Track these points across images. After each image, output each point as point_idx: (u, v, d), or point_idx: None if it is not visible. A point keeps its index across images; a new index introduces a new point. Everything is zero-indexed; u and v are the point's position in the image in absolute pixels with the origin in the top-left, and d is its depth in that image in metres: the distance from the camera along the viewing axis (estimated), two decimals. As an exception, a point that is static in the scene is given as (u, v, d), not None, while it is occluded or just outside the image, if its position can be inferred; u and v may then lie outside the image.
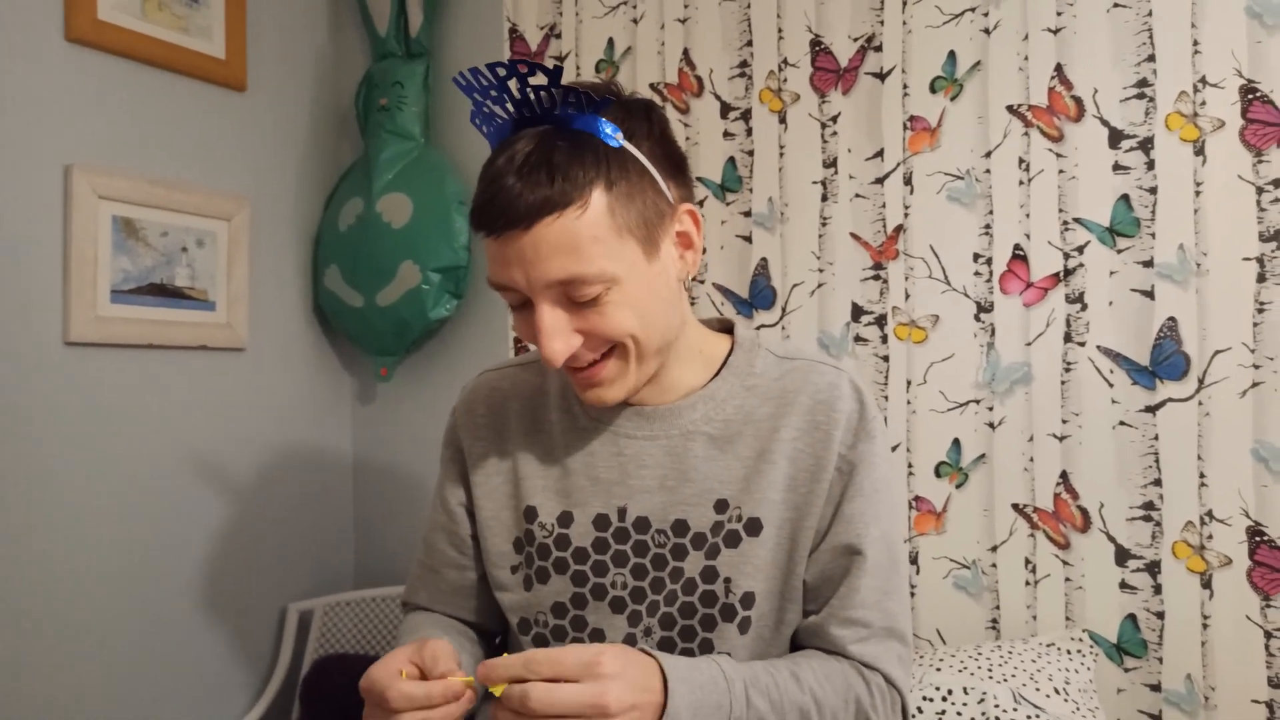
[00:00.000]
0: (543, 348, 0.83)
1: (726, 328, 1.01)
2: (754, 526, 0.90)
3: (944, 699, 1.22)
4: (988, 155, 1.49)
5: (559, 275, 0.80)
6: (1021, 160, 1.46)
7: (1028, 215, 1.46)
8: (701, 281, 1.69)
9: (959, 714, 1.20)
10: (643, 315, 0.85)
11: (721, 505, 0.91)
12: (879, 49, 1.56)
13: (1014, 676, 1.29)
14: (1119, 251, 1.41)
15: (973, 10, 1.50)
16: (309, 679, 1.77)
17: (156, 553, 1.65)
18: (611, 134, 0.82)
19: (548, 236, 0.79)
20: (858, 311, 1.57)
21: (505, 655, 0.74)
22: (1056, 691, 1.28)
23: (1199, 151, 1.36)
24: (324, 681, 1.72)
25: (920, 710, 1.22)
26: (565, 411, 0.99)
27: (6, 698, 1.43)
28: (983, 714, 1.18)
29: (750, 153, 1.66)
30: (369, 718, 0.79)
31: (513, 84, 0.83)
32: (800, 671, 0.86)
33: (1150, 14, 1.38)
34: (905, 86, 1.54)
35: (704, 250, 1.67)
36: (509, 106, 0.84)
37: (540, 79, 0.81)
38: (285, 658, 1.83)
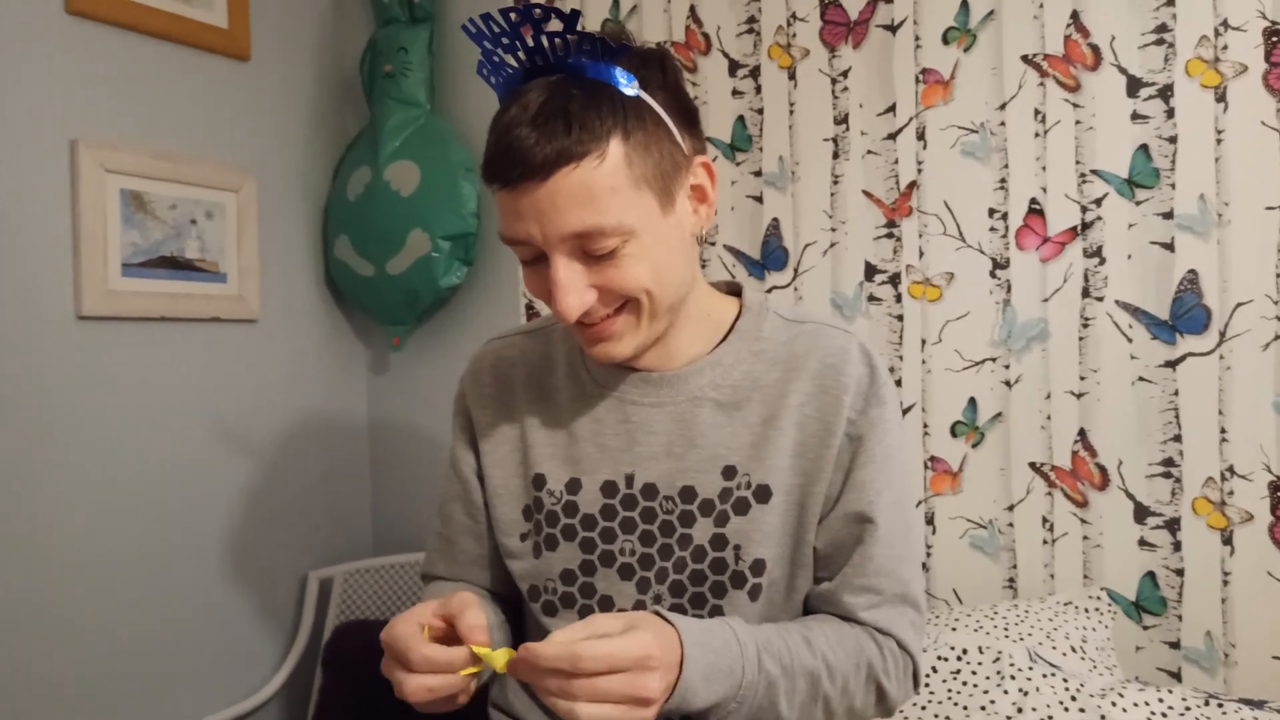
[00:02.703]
0: (558, 302, 0.81)
1: (735, 290, 1.00)
2: (763, 493, 0.89)
3: (959, 659, 1.22)
4: (1002, 107, 1.45)
5: (576, 227, 0.78)
6: (1037, 112, 1.43)
7: (1044, 168, 1.43)
8: (713, 243, 1.67)
9: (974, 673, 1.19)
10: (657, 269, 0.83)
11: (730, 472, 0.90)
12: (890, 1, 1.52)
13: (1030, 635, 1.29)
14: (1138, 203, 1.37)
15: (986, -43, 1.45)
16: (331, 645, 1.79)
17: (175, 525, 1.67)
18: (627, 83, 0.80)
19: (565, 187, 0.77)
20: (871, 271, 1.55)
21: (549, 644, 0.70)
22: (1073, 650, 1.27)
23: (1220, 98, 1.32)
24: (346, 648, 1.74)
25: (935, 670, 1.22)
26: (572, 378, 0.98)
27: (33, 666, 1.46)
28: (998, 673, 1.18)
29: (760, 111, 1.63)
30: (386, 668, 0.78)
31: (525, 31, 0.81)
32: (812, 635, 0.85)
33: (1171, -45, 1.33)
34: (917, 39, 1.51)
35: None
36: (520, 55, 0.82)
37: (555, 25, 0.79)
38: (307, 625, 1.85)
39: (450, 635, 0.78)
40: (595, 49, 0.80)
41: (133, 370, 1.60)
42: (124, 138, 1.59)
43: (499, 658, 0.74)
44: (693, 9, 1.68)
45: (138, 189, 1.60)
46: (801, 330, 0.94)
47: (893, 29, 1.52)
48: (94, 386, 1.55)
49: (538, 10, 0.80)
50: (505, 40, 0.82)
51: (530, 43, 0.81)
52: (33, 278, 1.47)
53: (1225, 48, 1.31)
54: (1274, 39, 1.28)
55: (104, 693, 1.55)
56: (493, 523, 0.99)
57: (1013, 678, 1.17)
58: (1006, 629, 1.30)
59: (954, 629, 1.32)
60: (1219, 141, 1.32)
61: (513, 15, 0.80)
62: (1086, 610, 1.35)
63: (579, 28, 0.80)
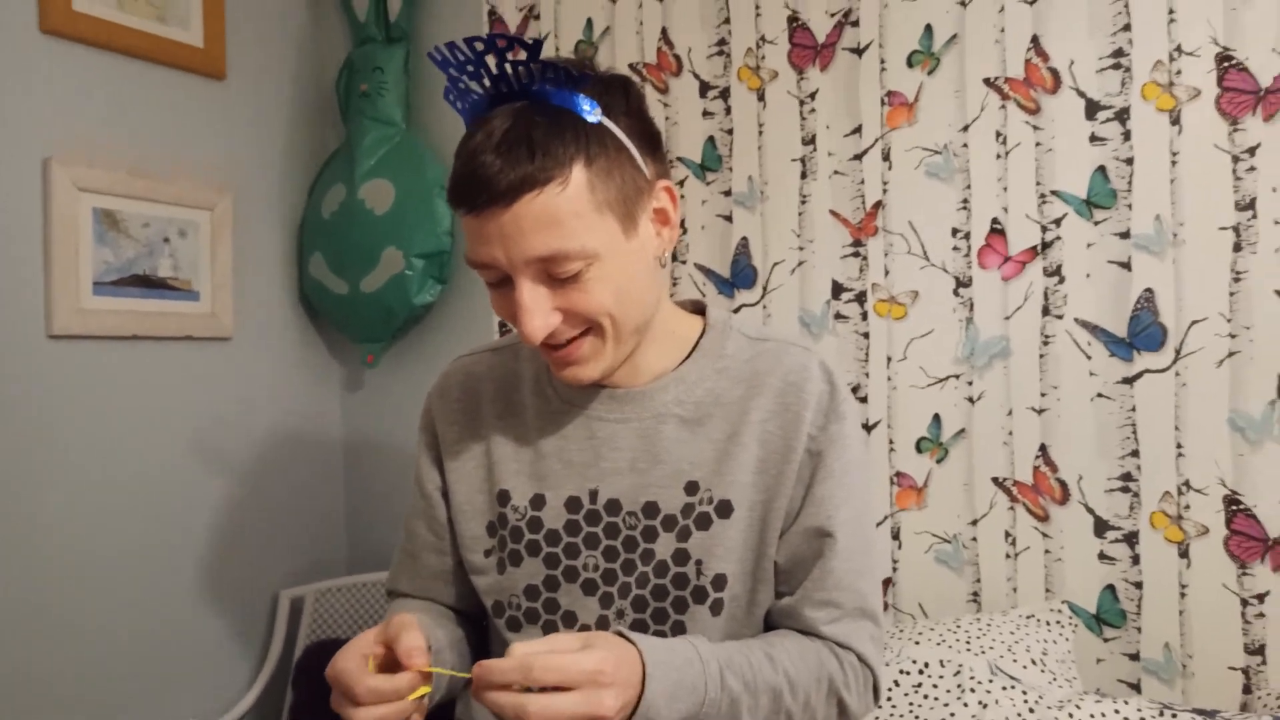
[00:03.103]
0: (522, 325, 0.83)
1: (699, 309, 1.02)
2: (725, 509, 0.91)
3: (921, 672, 1.24)
4: (965, 129, 1.48)
5: (540, 251, 0.80)
6: (999, 133, 1.46)
7: (1005, 189, 1.46)
8: (683, 261, 1.69)
9: (935, 686, 1.21)
10: (622, 292, 0.85)
11: (692, 487, 0.92)
12: (856, 24, 1.55)
13: (992, 648, 1.30)
14: (1096, 224, 1.40)
15: (948, -17, 1.49)
16: (301, 665, 1.79)
17: (147, 543, 1.66)
18: (590, 110, 0.82)
19: (529, 213, 0.79)
20: (838, 289, 1.58)
21: (504, 658, 0.72)
22: (1034, 662, 1.29)
23: (1175, 121, 1.35)
24: (316, 667, 1.74)
25: (897, 684, 1.24)
26: (539, 395, 0.99)
27: (3, 688, 1.45)
28: (958, 686, 1.20)
29: (730, 131, 1.66)
30: (335, 705, 0.79)
31: (490, 59, 0.82)
32: (774, 652, 0.87)
33: (1125, -17, 1.37)
34: (882, 61, 1.54)
35: (683, 228, 1.67)
36: (485, 82, 0.84)
37: (519, 54, 0.81)
38: (278, 644, 1.85)
39: (394, 661, 0.78)
40: (558, 77, 0.82)
41: (105, 389, 1.60)
42: (97, 156, 1.60)
43: (454, 673, 0.75)
44: (664, 31, 1.70)
45: (110, 207, 1.61)
46: (764, 348, 0.96)
47: (859, 52, 1.55)
48: (65, 406, 1.55)
49: (502, 39, 0.81)
50: (471, 68, 0.84)
51: (495, 70, 0.83)
52: (4, 296, 1.47)
53: (1179, 72, 1.35)
54: (1225, 64, 1.32)
55: (74, 710, 1.54)
56: (457, 539, 1.00)
57: (973, 690, 1.19)
58: (969, 642, 1.32)
59: (917, 642, 1.33)
60: (1174, 163, 1.35)
61: (478, 44, 0.82)
62: (1048, 623, 1.37)
63: (542, 56, 0.82)
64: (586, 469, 0.94)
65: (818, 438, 0.92)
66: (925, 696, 1.20)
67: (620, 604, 0.92)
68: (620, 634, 0.79)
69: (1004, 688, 1.18)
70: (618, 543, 0.93)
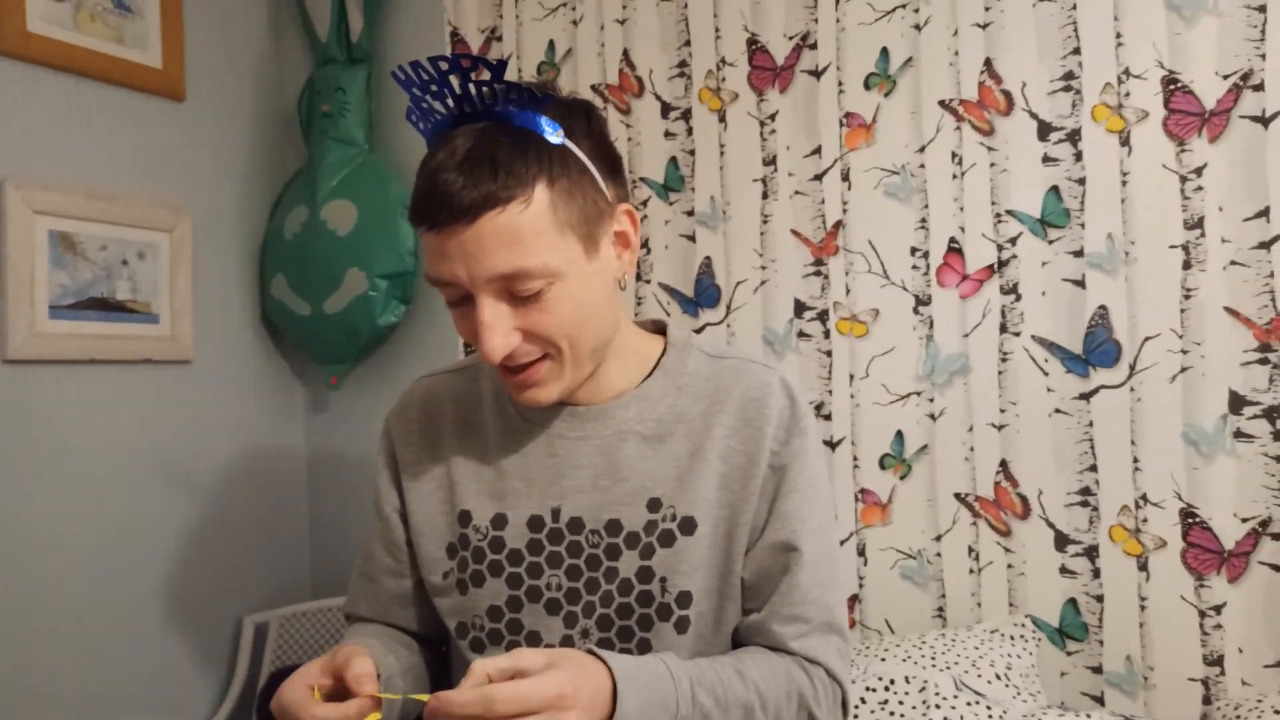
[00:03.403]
0: (482, 342, 0.82)
1: (660, 329, 1.02)
2: (688, 525, 0.91)
3: (886, 689, 1.24)
4: (921, 150, 1.51)
5: (502, 269, 0.80)
6: (954, 154, 1.49)
7: (961, 209, 1.48)
8: (647, 281, 1.70)
9: (900, 703, 1.21)
10: (581, 312, 0.85)
11: (655, 504, 0.92)
12: (814, 47, 1.58)
13: (956, 664, 1.31)
14: (1050, 242, 1.43)
15: (903, 6, 1.52)
16: (266, 691, 1.76)
17: (108, 569, 1.63)
18: (552, 131, 0.83)
19: (490, 230, 0.79)
20: (800, 307, 1.59)
21: (461, 688, 0.71)
22: (998, 677, 1.30)
23: (1124, 142, 1.38)
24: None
25: (863, 701, 1.24)
26: (499, 414, 0.99)
27: (-50, 721, 1.41)
28: (924, 702, 1.20)
29: (691, 152, 1.67)
30: None
31: (454, 79, 0.83)
32: (744, 668, 0.87)
33: (1075, 7, 1.41)
34: (840, 84, 1.56)
35: (647, 248, 1.68)
36: (449, 102, 0.84)
37: (483, 74, 0.81)
38: (242, 671, 1.82)
39: (341, 691, 0.77)
40: (522, 98, 0.82)
41: (62, 413, 1.57)
42: (54, 178, 1.58)
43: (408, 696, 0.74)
44: (626, 53, 1.72)
45: (67, 229, 1.59)
46: (724, 365, 0.96)
47: (817, 74, 1.58)
48: (22, 431, 1.52)
49: (466, 59, 0.82)
50: (434, 88, 0.84)
51: (458, 90, 0.83)
52: (-46, 320, 1.45)
53: (1128, 94, 1.38)
54: (1172, 87, 1.35)
55: (25, 746, 1.50)
56: (417, 560, 0.99)
57: (938, 706, 1.19)
58: (934, 658, 1.33)
59: (883, 659, 1.34)
60: (1124, 183, 1.39)
61: (442, 64, 0.82)
62: (1012, 637, 1.38)
63: (505, 77, 0.82)
64: (548, 487, 0.94)
65: (780, 453, 0.92)
66: (891, 713, 1.20)
67: (585, 623, 0.92)
68: (591, 651, 0.79)
69: (969, 703, 1.19)
70: (580, 561, 0.92)
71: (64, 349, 1.57)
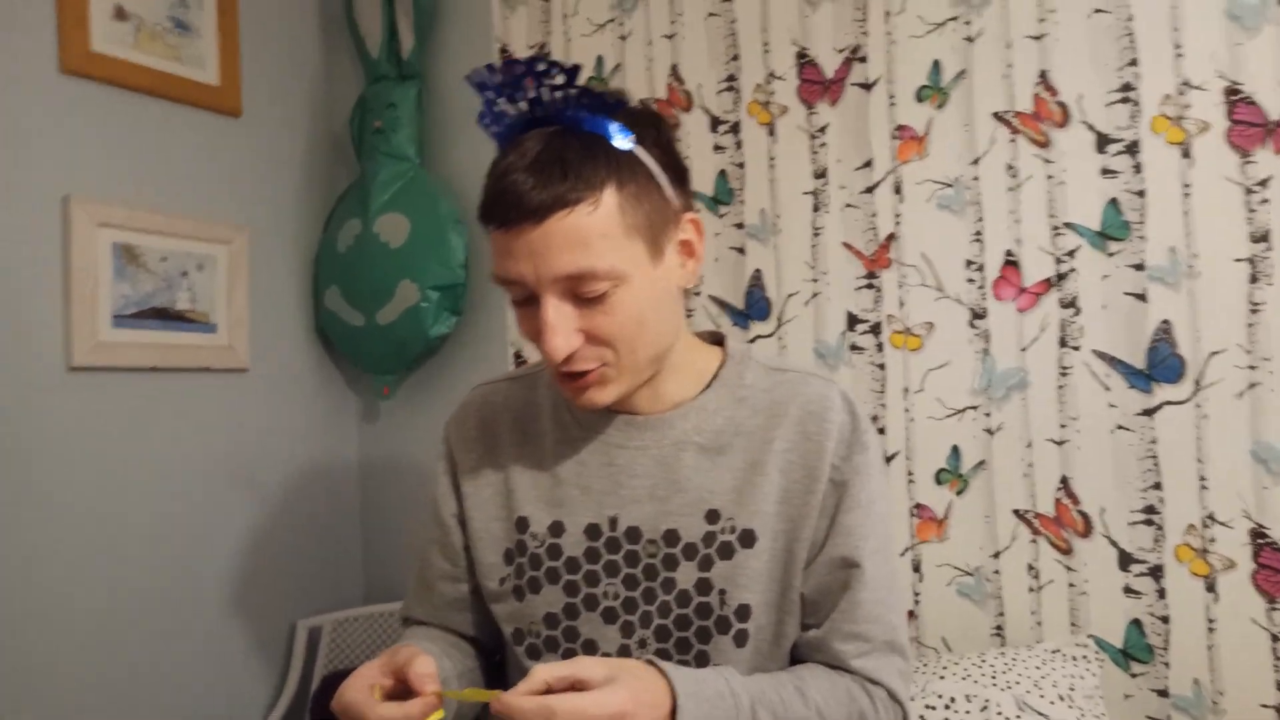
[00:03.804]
0: (545, 342, 0.83)
1: (717, 340, 1.02)
2: (748, 538, 0.90)
3: (946, 707, 1.22)
4: (975, 162, 1.49)
5: (568, 270, 0.81)
6: (1010, 166, 1.47)
7: (1018, 221, 1.46)
8: (697, 294, 1.70)
9: (961, 723, 1.19)
10: (644, 317, 0.85)
11: (713, 515, 0.91)
12: (864, 60, 1.57)
13: (1018, 684, 1.28)
14: (1110, 255, 1.40)
15: (954, 19, 1.51)
16: (319, 695, 1.77)
17: (165, 574, 1.65)
18: (622, 138, 0.84)
19: (559, 231, 0.80)
20: (853, 320, 1.58)
21: (519, 691, 0.71)
22: (1061, 698, 1.27)
23: (1186, 154, 1.36)
24: (333, 698, 1.72)
25: (923, 718, 1.21)
26: (557, 422, 0.99)
27: (16, 714, 1.44)
28: (985, 722, 1.18)
29: (741, 165, 1.67)
30: None
31: (528, 83, 0.84)
32: (805, 687, 0.85)
33: (1131, 18, 1.39)
34: (891, 96, 1.55)
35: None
36: (522, 105, 0.85)
37: (558, 78, 0.82)
38: (295, 674, 1.83)
39: (402, 691, 0.78)
40: (593, 103, 0.83)
41: (123, 420, 1.61)
42: (116, 193, 1.62)
43: (472, 695, 0.74)
44: (674, 67, 1.73)
45: (129, 242, 1.62)
46: (783, 378, 0.96)
47: (867, 87, 1.57)
48: (84, 436, 1.55)
49: (542, 64, 0.83)
50: (508, 90, 0.85)
51: (532, 94, 0.84)
52: (25, 329, 1.48)
53: (1189, 106, 1.35)
54: (1234, 98, 1.33)
55: (81, 751, 1.52)
56: (474, 566, 0.99)
57: (999, 727, 1.17)
58: (994, 677, 1.30)
59: (942, 677, 1.31)
60: (1186, 195, 1.36)
61: (518, 67, 0.84)
62: (1074, 658, 1.35)
63: (578, 82, 0.83)
64: (605, 496, 0.94)
65: (841, 467, 0.91)
66: (950, 733, 1.18)
67: (642, 633, 0.91)
68: (650, 662, 0.78)
69: (1030, 724, 1.16)
70: (638, 571, 0.92)
71: (126, 357, 1.60)
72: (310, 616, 1.89)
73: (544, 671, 0.72)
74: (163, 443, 1.66)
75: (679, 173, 0.90)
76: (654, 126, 0.88)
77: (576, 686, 0.72)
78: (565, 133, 0.83)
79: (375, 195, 1.87)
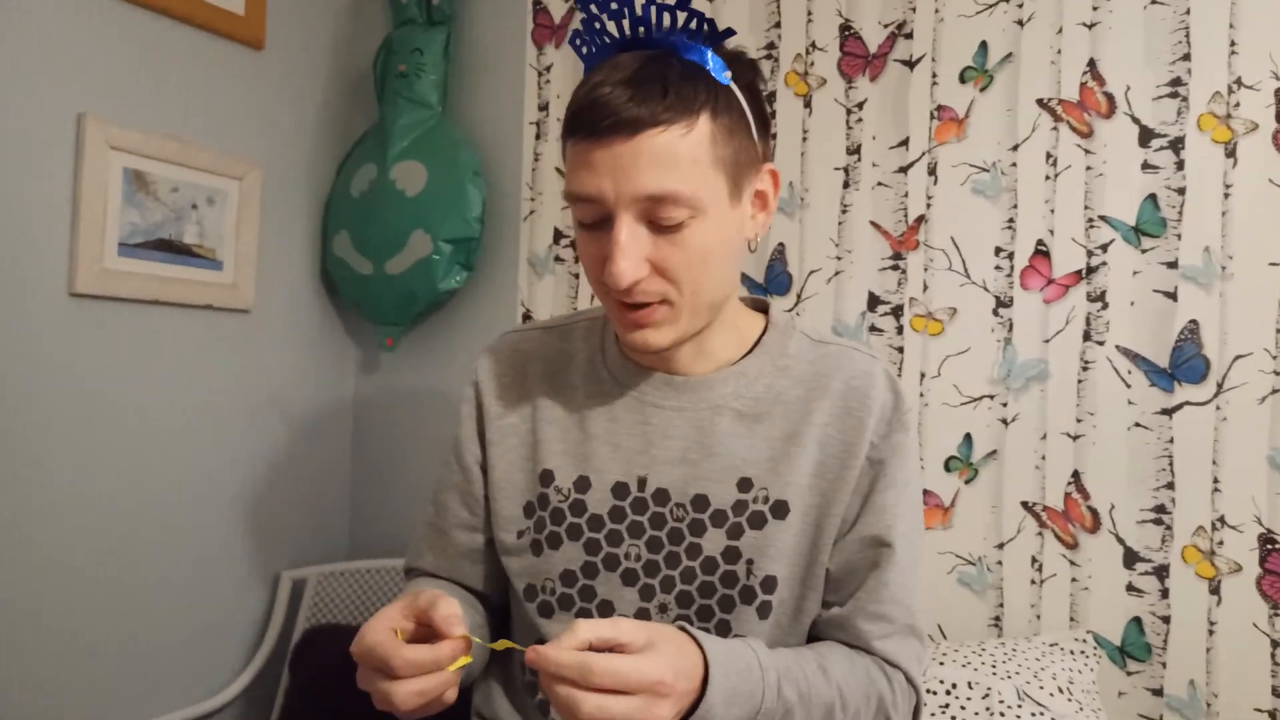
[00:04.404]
0: (614, 262, 0.80)
1: (761, 307, 1.00)
2: (780, 509, 0.88)
3: (948, 693, 1.21)
4: (1015, 149, 1.47)
5: (653, 189, 0.79)
6: (1049, 155, 1.45)
7: (1052, 211, 1.45)
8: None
9: (963, 708, 1.18)
10: (712, 258, 0.83)
11: (745, 484, 0.90)
12: (909, 36, 1.54)
13: (1018, 674, 1.28)
14: (1143, 251, 1.39)
15: (1007, 1, 1.48)
16: (299, 648, 1.74)
17: (151, 511, 1.62)
18: (721, 70, 0.82)
19: (649, 148, 0.78)
20: (874, 301, 1.56)
21: (560, 644, 0.68)
22: (1060, 690, 1.27)
23: (1230, 154, 1.34)
24: (314, 651, 1.70)
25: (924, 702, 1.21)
26: (590, 375, 0.97)
27: (2, 655, 1.41)
28: (987, 709, 1.17)
29: (774, 136, 1.64)
30: (364, 681, 0.75)
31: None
32: (827, 665, 0.84)
33: (1188, 12, 1.36)
34: (934, 75, 1.53)
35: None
36: (625, 23, 0.84)
37: None
38: (276, 625, 1.81)
39: (423, 635, 0.75)
40: (699, 30, 0.82)
41: (121, 352, 1.57)
42: (131, 116, 1.57)
43: (502, 645, 0.73)
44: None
45: (141, 169, 1.58)
46: (827, 351, 0.94)
47: (910, 64, 1.54)
48: (82, 364, 1.51)
49: None
50: (614, 6, 0.83)
51: (639, 11, 0.82)
52: (28, 251, 1.44)
53: (1238, 105, 1.34)
54: (1284, 100, 1.31)
55: (67, 684, 1.50)
56: (491, 516, 0.97)
57: (1002, 715, 1.16)
58: (994, 666, 1.30)
59: (941, 663, 1.31)
60: (1226, 196, 1.34)
61: None
62: (1072, 652, 1.35)
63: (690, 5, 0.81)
64: (636, 455, 0.92)
65: (880, 446, 0.90)
66: (953, 718, 1.17)
67: (663, 597, 0.90)
68: (685, 629, 0.77)
69: (1033, 714, 1.16)
70: (663, 534, 0.90)
71: (130, 288, 1.56)
72: (295, 568, 1.86)
73: (585, 629, 0.69)
74: (159, 378, 1.63)
75: (764, 120, 0.89)
76: (750, 69, 0.87)
77: (615, 649, 0.70)
78: (666, 55, 0.81)
79: (394, 141, 1.83)
